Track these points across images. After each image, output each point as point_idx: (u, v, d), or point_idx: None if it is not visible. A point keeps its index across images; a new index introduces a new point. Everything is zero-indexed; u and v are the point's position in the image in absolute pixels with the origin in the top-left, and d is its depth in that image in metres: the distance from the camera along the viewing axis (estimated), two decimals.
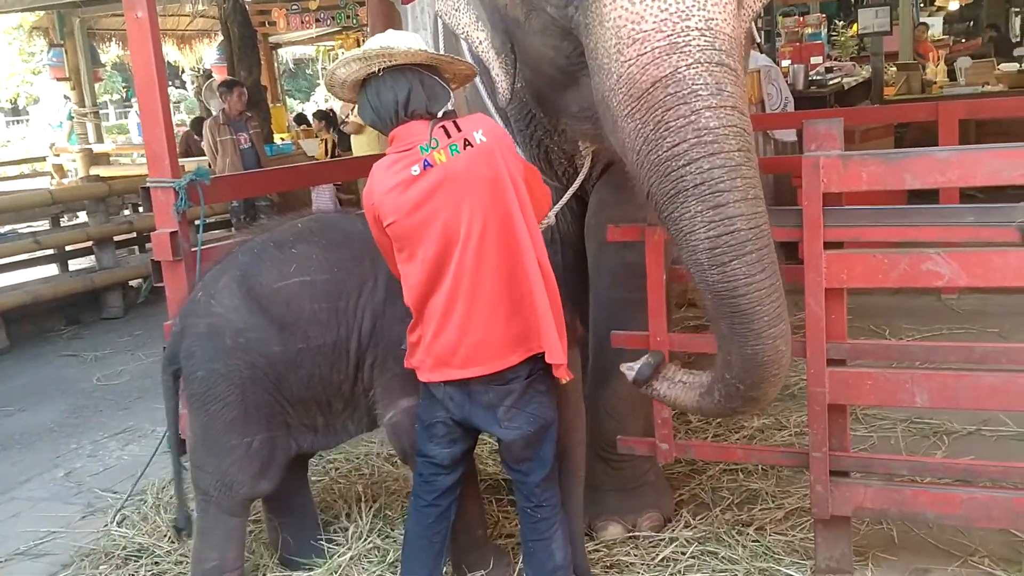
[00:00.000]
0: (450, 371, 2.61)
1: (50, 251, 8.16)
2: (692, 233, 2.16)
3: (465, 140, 2.51)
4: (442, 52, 2.90)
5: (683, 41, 2.11)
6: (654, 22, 2.12)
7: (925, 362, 3.20)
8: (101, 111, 16.70)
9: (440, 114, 2.59)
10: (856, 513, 2.86)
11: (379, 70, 2.57)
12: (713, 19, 2.13)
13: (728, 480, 3.58)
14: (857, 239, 2.75)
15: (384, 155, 2.63)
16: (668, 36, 2.11)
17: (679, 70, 2.10)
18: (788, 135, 7.02)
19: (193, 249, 3.88)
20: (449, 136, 2.52)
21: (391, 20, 6.72)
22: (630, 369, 2.60)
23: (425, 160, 2.51)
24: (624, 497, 3.28)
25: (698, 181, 2.11)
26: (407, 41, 2.61)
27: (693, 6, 2.12)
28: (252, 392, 2.89)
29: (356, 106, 8.71)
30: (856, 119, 7.44)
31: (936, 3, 16.32)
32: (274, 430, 2.95)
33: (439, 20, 3.25)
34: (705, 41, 2.11)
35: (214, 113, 8.75)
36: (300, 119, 14.12)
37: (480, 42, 2.75)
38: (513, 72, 2.77)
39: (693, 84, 2.09)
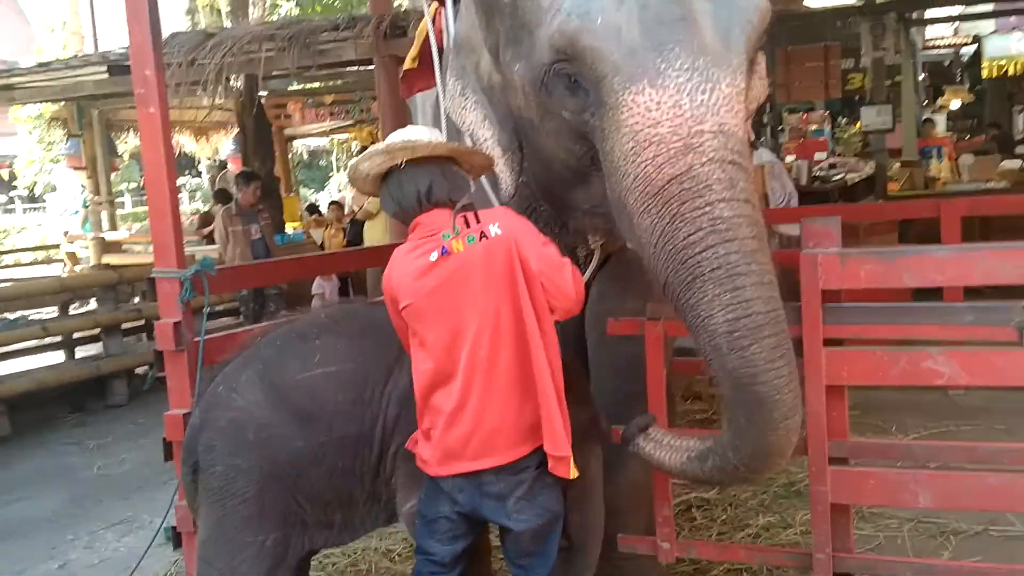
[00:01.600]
0: (461, 464, 2.59)
1: (57, 338, 8.19)
2: (710, 318, 2.19)
3: (482, 232, 2.55)
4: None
5: (697, 142, 2.21)
6: (670, 126, 2.23)
7: (930, 461, 3.16)
8: (117, 199, 16.98)
9: (459, 205, 2.65)
10: None
11: (401, 163, 2.64)
12: (725, 123, 2.24)
13: None
14: (858, 336, 2.75)
15: (401, 243, 2.70)
16: (683, 138, 2.22)
17: (694, 167, 2.21)
18: (792, 229, 7.07)
19: (196, 339, 3.88)
20: (468, 226, 2.57)
21: (402, 114, 6.87)
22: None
23: (444, 247, 2.56)
24: None
25: (715, 266, 2.18)
26: (428, 135, 2.69)
27: (706, 112, 2.22)
28: (271, 489, 2.84)
29: (369, 196, 8.79)
30: (858, 215, 7.50)
31: (939, 102, 16.59)
32: (289, 528, 2.88)
33: (442, 116, 3.32)
34: (718, 142, 2.22)
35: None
36: (312, 209, 14.30)
37: (485, 140, 2.83)
38: (519, 169, 2.85)
39: (707, 179, 2.20)
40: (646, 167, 2.26)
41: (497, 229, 2.55)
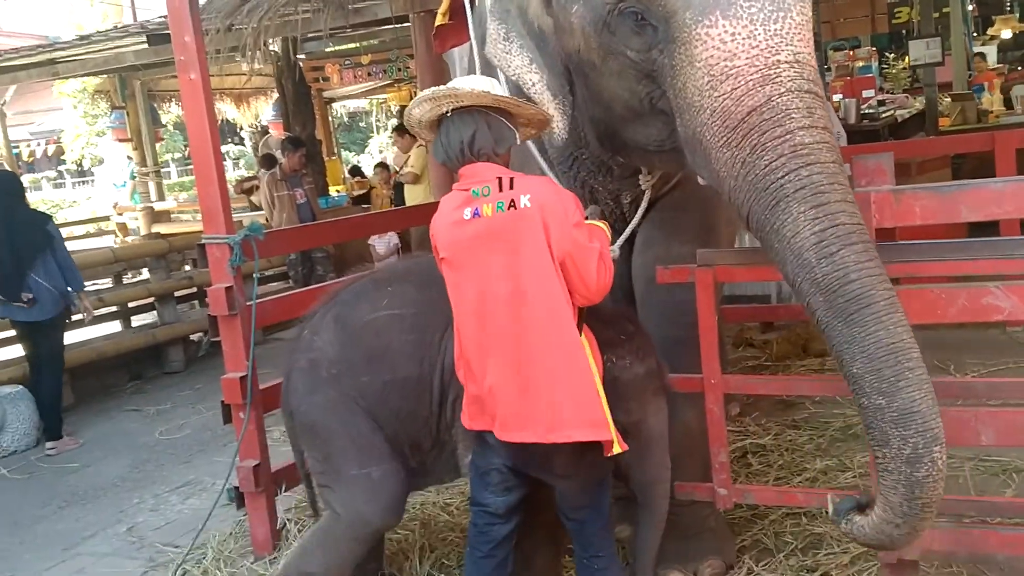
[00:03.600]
0: (494, 426, 2.60)
1: (113, 308, 8.35)
2: (797, 235, 2.19)
3: (511, 201, 2.52)
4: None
5: (774, 73, 2.23)
6: (746, 58, 2.24)
7: (991, 398, 3.11)
8: (163, 170, 17.15)
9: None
10: (924, 556, 2.76)
11: (448, 111, 2.63)
12: (799, 51, 2.25)
13: (791, 524, 3.49)
14: (913, 275, 2.69)
15: (447, 193, 2.71)
16: (760, 69, 2.23)
17: (772, 98, 2.22)
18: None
19: (248, 303, 3.93)
20: (500, 190, 2.54)
21: (440, 71, 6.82)
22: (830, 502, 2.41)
23: (476, 208, 2.55)
24: (684, 544, 3.19)
25: (799, 186, 2.18)
26: (475, 84, 2.67)
27: (781, 42, 2.24)
28: (354, 423, 2.94)
29: (408, 157, 8.79)
30: (909, 152, 7.32)
31: (989, 32, 16.08)
32: (388, 461, 2.96)
33: (476, 67, 3.31)
34: (795, 72, 2.24)
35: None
36: (355, 171, 14.32)
37: (533, 84, 2.79)
38: (570, 113, 2.82)
39: (787, 108, 2.21)
40: (724, 100, 2.26)
41: (527, 201, 2.51)
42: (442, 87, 2.65)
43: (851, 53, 14.06)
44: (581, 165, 3.16)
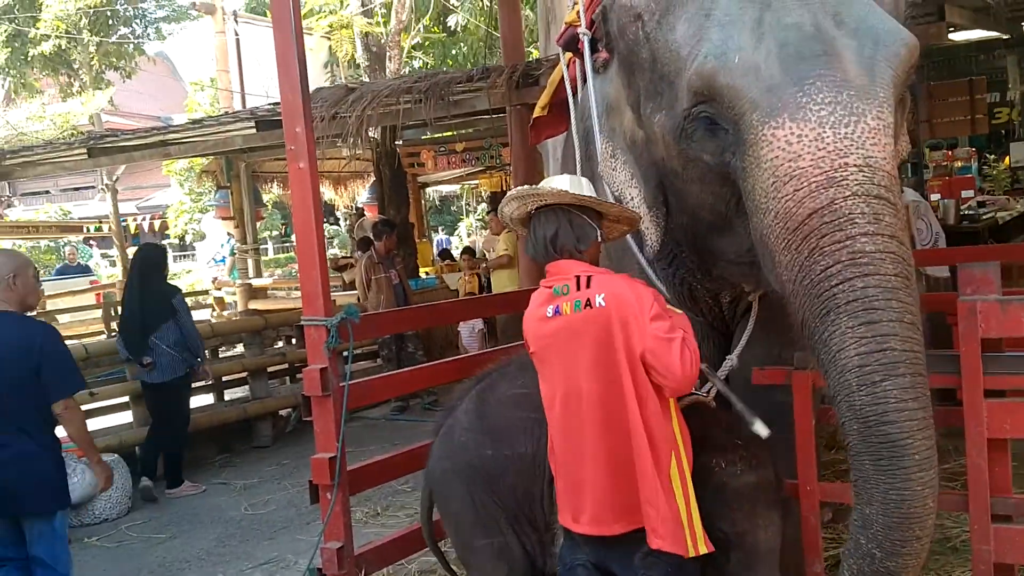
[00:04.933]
0: (574, 522, 2.62)
1: (208, 382, 8.55)
2: (842, 351, 2.12)
3: (588, 300, 2.55)
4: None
5: (840, 176, 2.16)
6: (811, 159, 2.19)
7: None
8: (261, 247, 17.70)
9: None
10: None
11: (533, 208, 2.72)
12: (871, 156, 2.18)
13: None
14: (1018, 387, 2.61)
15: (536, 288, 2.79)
16: (825, 172, 2.18)
17: (835, 201, 2.16)
18: (940, 271, 6.79)
19: (341, 384, 3.99)
20: (578, 289, 2.58)
21: (532, 160, 6.96)
22: None
23: (556, 306, 2.61)
24: None
25: (851, 299, 2.11)
26: (559, 184, 2.73)
27: (851, 145, 2.17)
28: (479, 492, 3.01)
29: (498, 241, 8.89)
30: (1012, 256, 7.12)
31: None
32: (512, 535, 3.00)
33: (577, 160, 3.40)
34: (863, 176, 2.16)
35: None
36: (444, 254, 14.57)
37: (632, 199, 2.87)
38: (663, 224, 2.86)
39: (850, 213, 2.14)
40: (787, 202, 2.22)
41: (602, 301, 2.54)
42: (527, 187, 2.73)
43: (949, 153, 13.86)
44: (680, 264, 3.17)
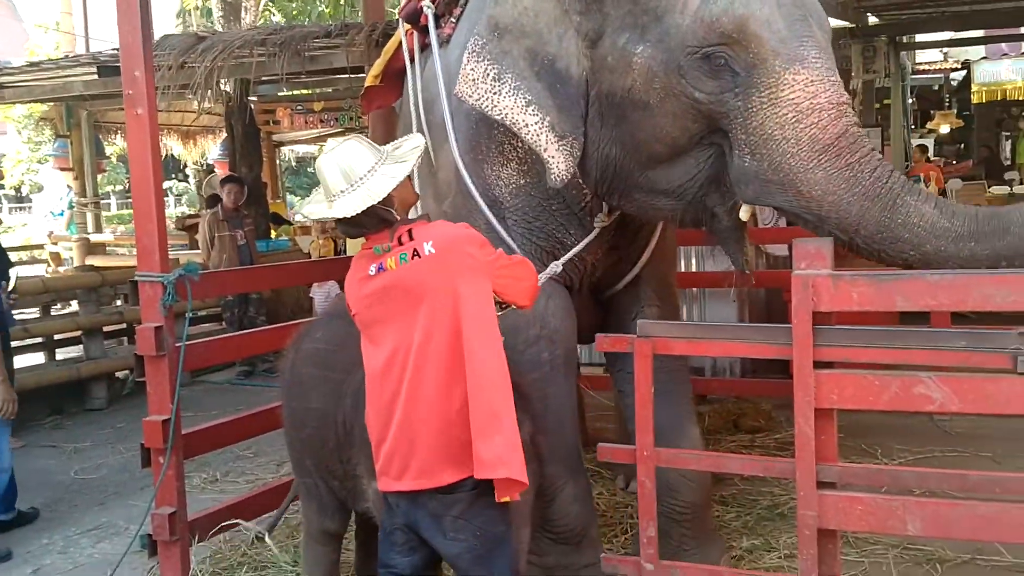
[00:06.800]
0: (388, 481, 2.58)
1: (38, 339, 8.11)
2: (923, 216, 2.69)
3: (414, 250, 2.52)
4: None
5: (844, 109, 2.77)
6: (826, 97, 2.74)
7: (918, 488, 3.13)
8: (103, 201, 16.88)
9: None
10: None
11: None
12: (844, 95, 2.80)
13: None
14: (848, 359, 2.71)
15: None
16: (835, 106, 2.75)
17: (849, 127, 2.76)
18: (780, 250, 7.05)
19: (177, 344, 3.83)
20: (401, 243, 2.54)
21: (391, 123, 6.82)
22: None
23: (380, 263, 2.55)
24: None
25: (903, 183, 2.75)
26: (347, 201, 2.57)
27: (839, 87, 2.78)
28: (292, 438, 3.36)
29: None
30: None
31: (928, 126, 16.65)
32: (319, 479, 3.27)
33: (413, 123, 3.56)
34: (850, 109, 2.81)
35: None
36: (276, 219, 14.21)
37: (527, 125, 2.93)
38: (578, 155, 3.00)
39: (859, 133, 2.78)
40: (811, 130, 2.71)
41: (431, 248, 2.51)
42: (315, 211, 2.66)
43: None
44: (550, 218, 3.21)
